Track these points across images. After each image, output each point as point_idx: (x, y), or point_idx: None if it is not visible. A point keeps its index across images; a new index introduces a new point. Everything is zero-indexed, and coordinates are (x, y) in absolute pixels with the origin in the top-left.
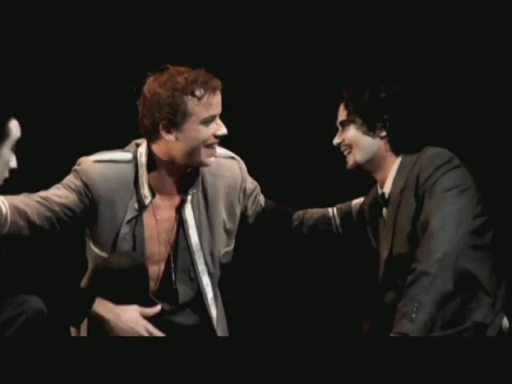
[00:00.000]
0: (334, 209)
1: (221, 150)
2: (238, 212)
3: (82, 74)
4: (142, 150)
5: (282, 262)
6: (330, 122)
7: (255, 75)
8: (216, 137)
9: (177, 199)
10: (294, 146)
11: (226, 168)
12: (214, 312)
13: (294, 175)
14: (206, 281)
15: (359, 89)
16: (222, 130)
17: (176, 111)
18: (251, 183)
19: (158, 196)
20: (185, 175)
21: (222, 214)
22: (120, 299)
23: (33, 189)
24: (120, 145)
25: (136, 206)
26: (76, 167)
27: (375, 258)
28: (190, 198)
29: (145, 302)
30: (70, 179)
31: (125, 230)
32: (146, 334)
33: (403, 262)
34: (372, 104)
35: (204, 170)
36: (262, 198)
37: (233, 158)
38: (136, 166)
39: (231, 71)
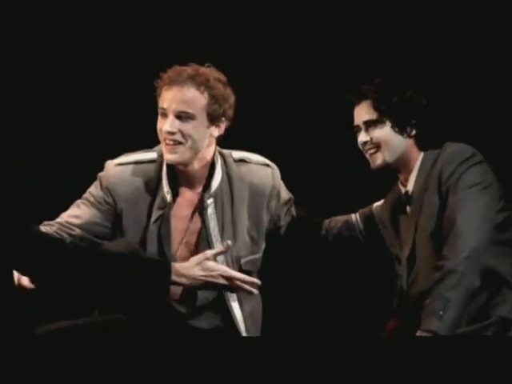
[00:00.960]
0: (357, 214)
1: (256, 157)
2: (266, 220)
3: (105, 77)
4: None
5: (306, 265)
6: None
7: (276, 84)
8: (164, 133)
9: (199, 200)
10: (310, 149)
11: (256, 174)
12: (238, 314)
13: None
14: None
15: (389, 89)
16: (165, 126)
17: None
18: (286, 193)
19: (180, 195)
20: (204, 176)
21: (245, 219)
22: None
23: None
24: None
25: (160, 204)
26: (100, 173)
27: (394, 255)
28: (212, 200)
29: (162, 304)
30: (90, 191)
31: (152, 229)
32: (224, 281)
33: (426, 259)
34: (404, 104)
35: (232, 173)
36: (293, 210)
37: (267, 165)
38: (161, 164)
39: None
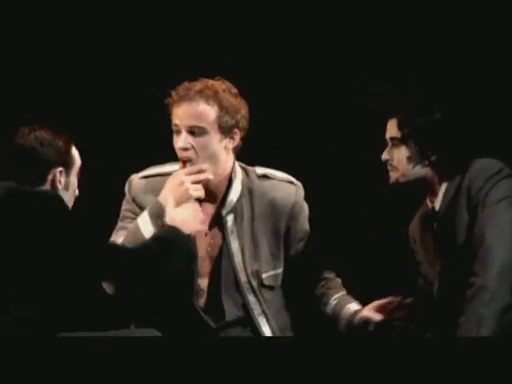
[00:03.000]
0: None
1: (280, 174)
2: (282, 235)
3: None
4: None
5: None
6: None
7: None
8: (178, 149)
9: (218, 215)
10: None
11: (279, 190)
12: (266, 330)
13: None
14: (252, 299)
15: (415, 111)
16: (178, 143)
17: None
18: (305, 221)
19: (201, 208)
20: (223, 190)
21: (266, 234)
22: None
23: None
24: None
25: None
26: (125, 187)
27: (424, 273)
28: (232, 216)
29: (192, 315)
30: (124, 208)
31: None
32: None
33: (457, 274)
34: (427, 131)
35: (253, 188)
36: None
37: (292, 182)
38: None
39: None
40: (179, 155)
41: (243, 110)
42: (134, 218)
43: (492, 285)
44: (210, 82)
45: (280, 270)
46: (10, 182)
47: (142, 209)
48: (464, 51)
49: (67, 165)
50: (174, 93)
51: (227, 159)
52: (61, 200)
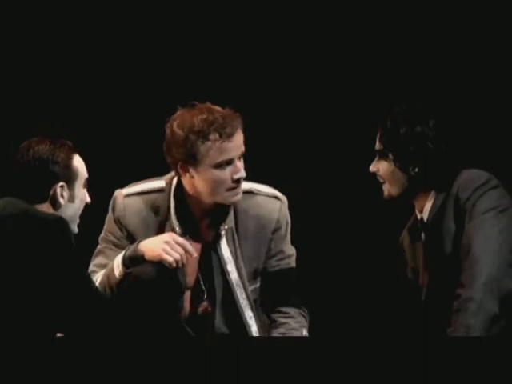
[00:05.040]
0: None
1: (265, 188)
2: (264, 251)
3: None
4: (174, 181)
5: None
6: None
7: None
8: (234, 180)
9: (208, 233)
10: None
11: (263, 207)
12: None
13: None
14: (249, 314)
15: (394, 125)
16: (239, 173)
17: (189, 154)
18: (285, 235)
19: (190, 226)
20: (216, 209)
21: (247, 251)
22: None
23: None
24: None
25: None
26: (110, 205)
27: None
28: (223, 233)
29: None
30: (107, 229)
31: None
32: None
33: (445, 285)
34: (406, 143)
35: (237, 205)
36: (286, 268)
37: (276, 197)
38: (169, 193)
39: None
40: (236, 185)
41: None
42: (115, 243)
43: (478, 296)
44: (217, 107)
45: (258, 285)
46: (8, 199)
47: (125, 230)
48: (446, 62)
49: (69, 178)
50: (225, 127)
51: None
52: (55, 226)
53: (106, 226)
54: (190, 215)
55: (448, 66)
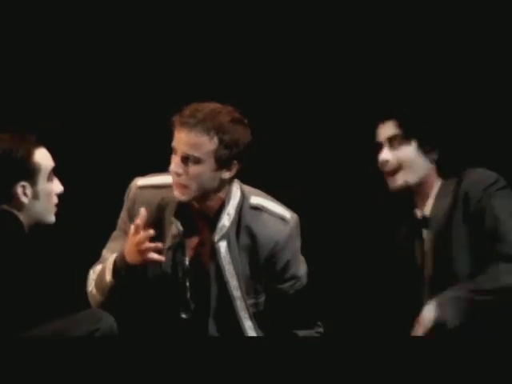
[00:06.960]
0: None
1: (275, 207)
2: (262, 270)
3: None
4: None
5: None
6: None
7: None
8: (171, 172)
9: (210, 240)
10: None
11: (266, 227)
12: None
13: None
14: (248, 324)
15: (418, 109)
16: (171, 165)
17: None
18: (287, 259)
19: (193, 227)
20: (216, 216)
21: (245, 267)
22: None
23: None
24: None
25: (174, 232)
26: (126, 194)
27: (413, 280)
28: (225, 242)
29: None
30: (121, 216)
31: (168, 255)
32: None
33: (447, 282)
34: (431, 126)
35: (242, 219)
36: (294, 291)
37: (283, 219)
38: None
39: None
40: (172, 178)
41: (246, 142)
42: (126, 231)
43: None
44: (218, 109)
45: (261, 299)
46: None
47: (133, 220)
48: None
49: (30, 174)
50: (178, 116)
51: (223, 187)
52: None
53: (121, 213)
54: (193, 215)
55: (448, 66)
